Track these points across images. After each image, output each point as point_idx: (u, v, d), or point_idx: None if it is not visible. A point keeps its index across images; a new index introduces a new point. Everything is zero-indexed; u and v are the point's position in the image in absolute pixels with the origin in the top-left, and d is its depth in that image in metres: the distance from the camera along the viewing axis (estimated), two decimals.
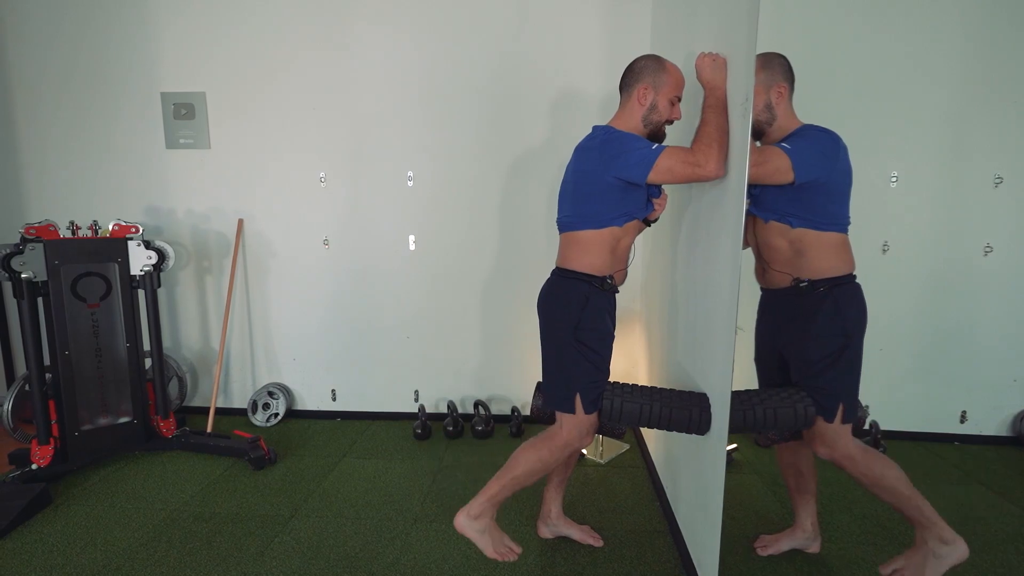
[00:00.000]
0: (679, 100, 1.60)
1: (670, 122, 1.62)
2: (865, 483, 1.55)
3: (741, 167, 1.30)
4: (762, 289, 1.69)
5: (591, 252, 1.57)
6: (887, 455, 1.60)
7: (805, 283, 1.51)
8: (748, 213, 1.58)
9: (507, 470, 1.65)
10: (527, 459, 1.62)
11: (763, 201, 1.55)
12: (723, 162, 1.41)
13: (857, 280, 1.54)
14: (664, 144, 1.51)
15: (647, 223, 1.71)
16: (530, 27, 2.68)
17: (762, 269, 1.64)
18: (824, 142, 1.46)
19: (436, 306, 2.92)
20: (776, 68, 1.52)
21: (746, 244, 1.65)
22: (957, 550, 1.52)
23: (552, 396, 1.62)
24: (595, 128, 1.61)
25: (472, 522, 1.67)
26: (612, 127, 1.58)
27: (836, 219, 1.51)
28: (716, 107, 1.44)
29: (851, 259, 1.54)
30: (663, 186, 1.64)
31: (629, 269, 1.70)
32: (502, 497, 1.67)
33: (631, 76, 1.60)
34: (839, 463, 1.55)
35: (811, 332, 1.51)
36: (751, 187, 1.53)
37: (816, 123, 1.53)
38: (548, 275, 1.69)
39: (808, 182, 1.44)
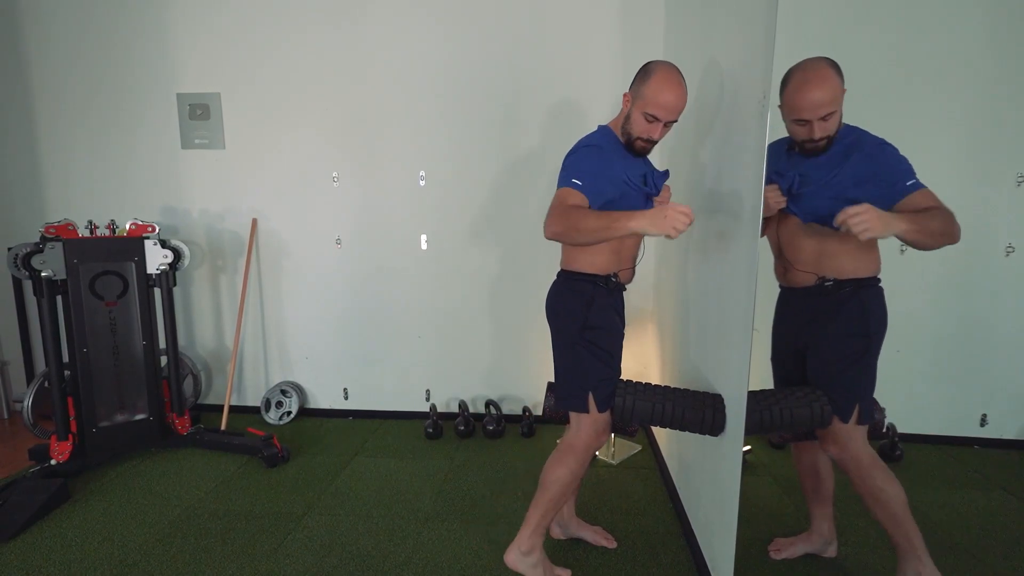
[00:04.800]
0: (657, 120, 1.45)
1: (646, 140, 1.49)
2: (862, 492, 1.52)
3: (757, 166, 1.29)
4: (782, 288, 1.67)
5: (592, 251, 1.55)
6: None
7: (831, 282, 1.49)
8: (783, 211, 1.54)
9: (542, 493, 1.58)
10: (557, 476, 1.56)
11: (807, 204, 1.48)
12: (555, 233, 1.37)
13: (881, 284, 1.51)
14: (577, 181, 1.42)
15: None
16: (543, 29, 2.67)
17: (783, 268, 1.61)
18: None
19: (448, 305, 2.93)
20: (839, 73, 1.40)
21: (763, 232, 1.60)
22: None
23: (565, 397, 1.61)
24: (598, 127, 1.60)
25: (524, 558, 1.60)
26: (593, 133, 1.56)
27: None
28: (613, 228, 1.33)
29: (878, 259, 1.52)
30: (666, 182, 1.61)
31: (640, 268, 1.68)
32: (547, 523, 1.61)
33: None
34: (845, 465, 1.53)
35: (835, 332, 1.50)
36: (791, 185, 1.49)
37: None
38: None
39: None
